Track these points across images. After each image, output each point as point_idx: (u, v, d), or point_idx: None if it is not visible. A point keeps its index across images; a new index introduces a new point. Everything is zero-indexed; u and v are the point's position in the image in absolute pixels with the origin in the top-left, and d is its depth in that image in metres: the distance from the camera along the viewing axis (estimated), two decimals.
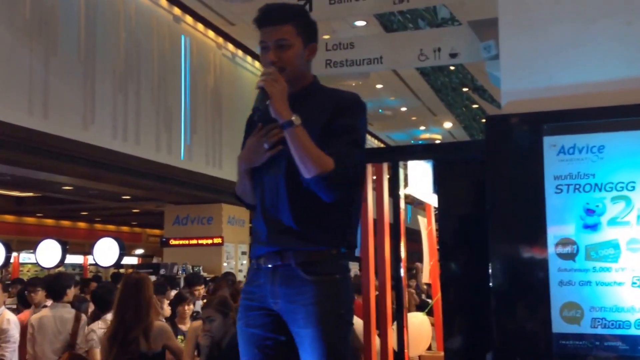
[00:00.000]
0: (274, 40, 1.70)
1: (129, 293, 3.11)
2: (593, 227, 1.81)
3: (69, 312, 4.13)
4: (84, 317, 4.15)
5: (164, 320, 3.99)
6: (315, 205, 1.65)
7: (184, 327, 4.31)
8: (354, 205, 1.75)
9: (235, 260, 11.38)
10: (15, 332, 4.07)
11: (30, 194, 12.33)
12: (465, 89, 13.05)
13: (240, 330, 1.76)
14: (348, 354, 1.68)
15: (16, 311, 5.78)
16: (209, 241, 10.82)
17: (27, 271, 13.36)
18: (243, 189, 1.80)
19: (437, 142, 16.60)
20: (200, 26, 9.54)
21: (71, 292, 4.42)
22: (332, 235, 1.69)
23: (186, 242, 10.98)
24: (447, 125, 15.77)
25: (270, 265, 1.69)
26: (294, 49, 1.71)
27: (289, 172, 1.67)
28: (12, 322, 4.09)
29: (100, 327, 3.61)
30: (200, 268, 10.18)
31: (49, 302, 4.51)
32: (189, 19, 9.27)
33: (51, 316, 4.09)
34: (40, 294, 4.99)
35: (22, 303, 5.46)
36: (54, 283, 4.40)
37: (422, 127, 16.20)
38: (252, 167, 1.75)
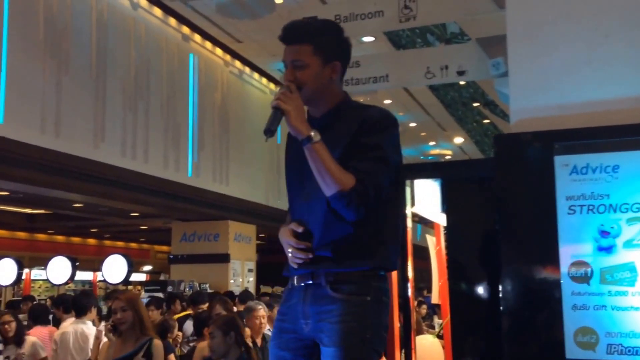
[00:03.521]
0: (290, 60, 1.69)
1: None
2: (608, 250, 1.76)
3: (89, 329, 4.24)
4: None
5: None
6: (345, 226, 1.62)
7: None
8: (387, 224, 1.68)
9: (242, 278, 11.32)
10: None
11: (42, 211, 12.40)
12: (476, 104, 13.00)
13: (272, 351, 1.75)
14: None
15: (27, 327, 5.77)
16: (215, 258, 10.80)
17: (39, 287, 13.39)
18: None
19: (448, 157, 16.52)
20: (208, 44, 9.63)
21: (94, 310, 4.54)
22: (363, 256, 1.64)
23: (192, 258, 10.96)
24: (458, 140, 15.70)
25: (302, 284, 1.68)
26: (310, 68, 1.68)
27: (319, 194, 1.64)
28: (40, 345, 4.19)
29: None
30: (207, 285, 10.13)
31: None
32: (197, 37, 9.36)
33: (72, 332, 4.22)
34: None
35: (33, 320, 5.45)
36: (79, 299, 4.53)
37: (432, 143, 16.13)
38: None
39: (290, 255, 1.67)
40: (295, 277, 1.71)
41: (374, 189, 1.59)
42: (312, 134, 1.59)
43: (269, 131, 1.62)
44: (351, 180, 1.57)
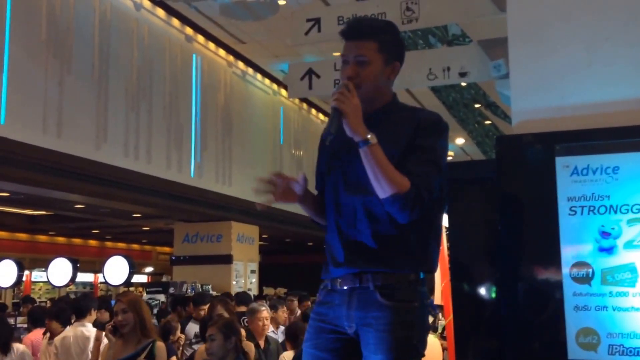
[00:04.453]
0: (353, 55, 1.65)
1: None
2: (609, 250, 1.77)
3: (89, 331, 4.23)
4: (104, 336, 4.21)
5: None
6: (394, 227, 1.61)
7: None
8: (433, 229, 1.68)
9: (245, 279, 11.32)
10: None
11: (43, 212, 12.41)
12: (477, 105, 13.00)
13: (308, 352, 1.71)
14: None
15: (26, 330, 5.78)
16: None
17: (39, 289, 13.41)
18: (308, 212, 1.80)
19: (449, 158, 16.50)
20: (211, 45, 9.64)
21: (95, 313, 4.55)
22: (411, 258, 1.64)
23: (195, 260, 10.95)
24: (459, 141, 15.70)
25: (346, 287, 1.65)
26: (373, 65, 1.65)
27: (368, 194, 1.63)
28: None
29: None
30: (210, 287, 10.12)
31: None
32: (200, 38, 9.38)
33: (72, 335, 4.22)
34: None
35: (33, 322, 5.46)
36: (80, 302, 4.54)
37: None
38: (300, 198, 1.72)
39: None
40: (338, 280, 1.67)
41: (427, 192, 1.59)
42: (369, 136, 1.56)
43: (329, 134, 1.59)
44: (406, 183, 1.56)
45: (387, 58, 1.68)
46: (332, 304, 1.68)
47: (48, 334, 4.55)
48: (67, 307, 4.71)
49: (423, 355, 1.66)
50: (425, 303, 1.65)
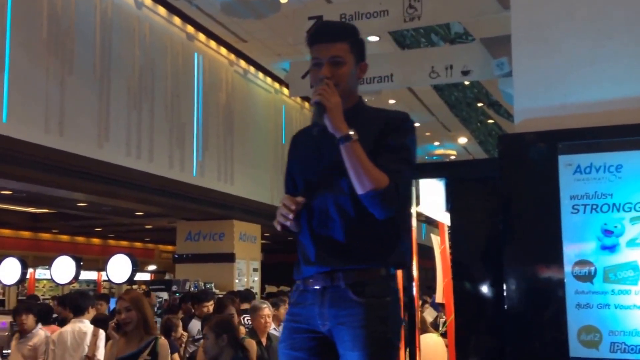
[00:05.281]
0: (329, 56, 1.70)
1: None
2: (611, 249, 1.77)
3: (86, 327, 4.36)
4: (101, 332, 4.23)
5: None
6: (365, 224, 1.64)
7: None
8: (404, 225, 1.74)
9: (247, 277, 11.34)
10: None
11: (46, 211, 12.44)
12: (480, 104, 12.98)
13: (283, 352, 1.73)
14: None
15: None
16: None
17: (43, 287, 13.43)
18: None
19: (452, 157, 16.50)
20: (212, 43, 9.64)
21: (92, 310, 4.71)
22: (382, 254, 1.67)
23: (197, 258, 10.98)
24: (462, 140, 15.68)
25: (318, 287, 1.68)
26: (347, 66, 1.71)
27: (340, 192, 1.66)
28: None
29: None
30: (212, 285, 10.14)
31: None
32: (202, 36, 9.38)
33: (70, 331, 4.35)
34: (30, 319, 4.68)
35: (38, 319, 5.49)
36: (77, 299, 4.67)
37: (437, 143, 16.13)
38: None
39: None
40: (309, 280, 1.69)
41: (404, 188, 1.64)
42: (352, 132, 1.60)
43: (316, 124, 1.62)
44: (385, 179, 1.60)
45: (357, 58, 1.74)
46: (305, 304, 1.70)
47: (17, 334, 4.56)
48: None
49: (399, 349, 1.69)
50: (397, 297, 1.69)
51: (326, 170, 1.69)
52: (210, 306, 5.44)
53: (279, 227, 1.70)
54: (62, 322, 5.29)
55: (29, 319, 4.52)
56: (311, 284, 1.69)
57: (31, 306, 4.87)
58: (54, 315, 5.89)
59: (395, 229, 1.69)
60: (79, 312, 4.48)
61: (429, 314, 6.00)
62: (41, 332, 4.40)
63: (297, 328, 1.71)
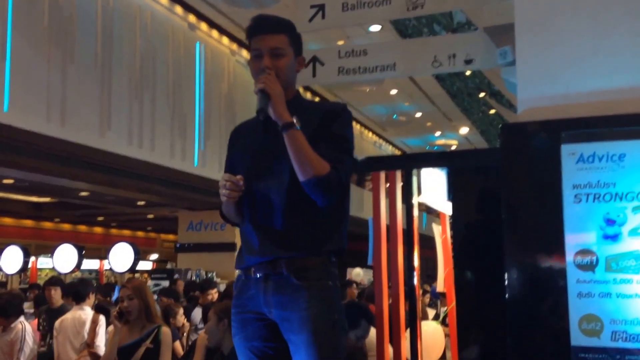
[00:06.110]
0: (269, 48, 1.73)
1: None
2: (614, 238, 1.77)
3: (86, 314, 4.40)
4: (102, 319, 4.27)
5: None
6: (307, 213, 1.67)
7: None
8: (344, 213, 1.76)
9: None
10: (30, 341, 4.19)
11: (48, 200, 12.47)
12: (481, 94, 12.93)
13: (239, 344, 1.76)
14: (342, 358, 1.68)
15: (32, 316, 5.84)
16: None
17: (45, 276, 13.50)
18: (228, 210, 1.82)
19: (453, 147, 16.47)
20: (214, 33, 9.60)
21: (92, 296, 4.76)
22: (323, 242, 1.70)
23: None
24: (464, 130, 15.64)
25: (260, 275, 1.70)
26: (287, 58, 1.74)
27: (281, 181, 1.69)
28: (28, 331, 4.22)
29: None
30: (214, 273, 10.19)
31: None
32: (203, 26, 9.34)
33: (70, 318, 4.43)
34: (57, 293, 5.08)
35: (39, 307, 5.54)
36: (78, 286, 4.75)
37: (438, 133, 16.09)
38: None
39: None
40: (252, 268, 1.72)
41: (345, 176, 1.67)
42: (295, 120, 1.63)
43: (262, 110, 1.66)
44: (327, 166, 1.63)
45: (296, 51, 1.78)
46: (249, 294, 1.72)
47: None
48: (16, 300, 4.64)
49: (346, 329, 1.73)
50: (337, 284, 1.72)
51: (268, 159, 1.71)
52: (214, 294, 5.49)
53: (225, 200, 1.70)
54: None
55: (57, 293, 4.82)
56: (253, 273, 1.71)
57: (59, 281, 5.04)
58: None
59: (335, 217, 1.72)
60: (79, 299, 4.54)
61: (430, 311, 6.05)
62: (19, 326, 4.21)
63: (247, 318, 1.73)
